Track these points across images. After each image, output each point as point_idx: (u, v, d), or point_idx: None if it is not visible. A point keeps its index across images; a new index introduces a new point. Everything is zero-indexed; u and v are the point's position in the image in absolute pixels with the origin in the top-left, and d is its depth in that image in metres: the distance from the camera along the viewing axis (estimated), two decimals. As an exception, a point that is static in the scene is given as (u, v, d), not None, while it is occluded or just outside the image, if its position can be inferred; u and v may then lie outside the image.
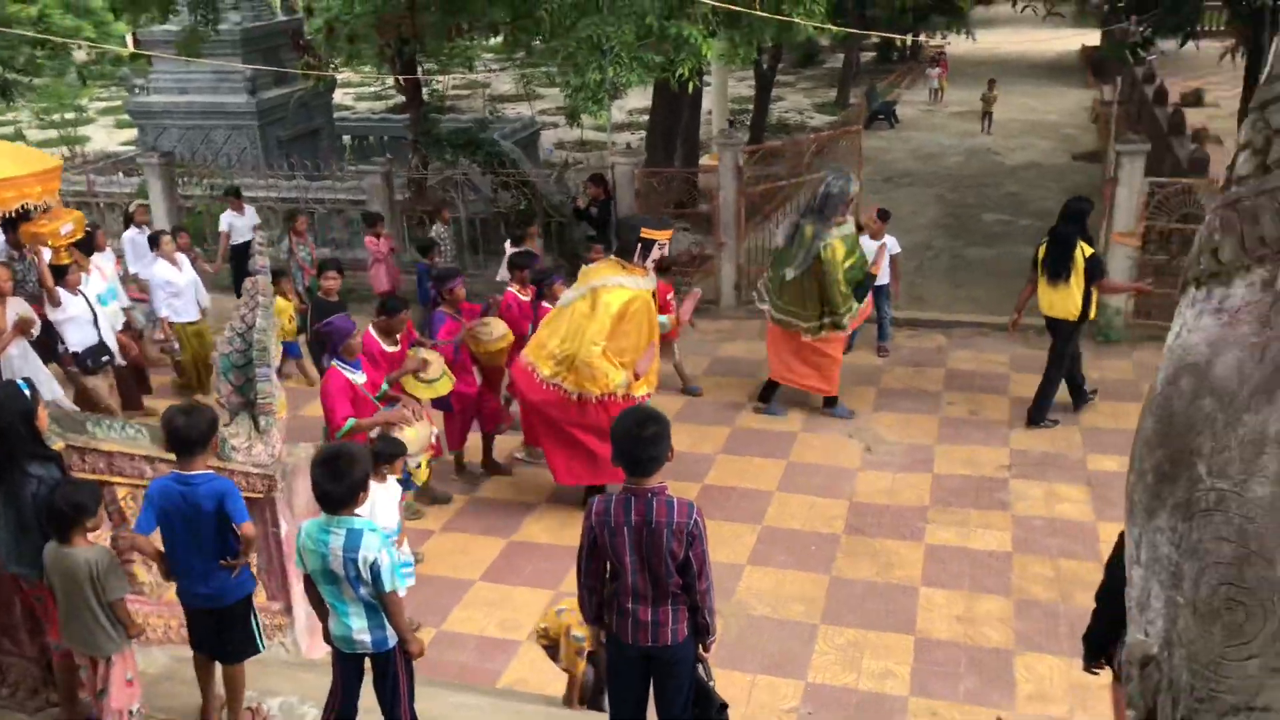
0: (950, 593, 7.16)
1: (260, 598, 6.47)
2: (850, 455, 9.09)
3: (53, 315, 8.96)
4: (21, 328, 8.27)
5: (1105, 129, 21.56)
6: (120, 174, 16.23)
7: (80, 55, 26.33)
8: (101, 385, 9.28)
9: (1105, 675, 5.31)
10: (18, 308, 8.53)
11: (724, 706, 4.33)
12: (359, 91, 31.37)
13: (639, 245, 7.60)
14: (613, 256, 7.91)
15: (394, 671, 4.33)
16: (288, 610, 6.56)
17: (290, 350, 10.66)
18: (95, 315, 9.16)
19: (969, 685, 6.28)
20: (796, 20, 9.04)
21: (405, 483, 7.23)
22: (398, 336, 7.85)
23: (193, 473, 4.38)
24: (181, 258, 10.39)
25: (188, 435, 4.39)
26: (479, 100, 27.26)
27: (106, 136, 25.42)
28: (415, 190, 13.98)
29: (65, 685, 4.77)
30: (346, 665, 4.37)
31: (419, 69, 14.52)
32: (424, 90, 15.28)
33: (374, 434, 6.93)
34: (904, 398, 10.16)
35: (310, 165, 14.84)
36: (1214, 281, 1.45)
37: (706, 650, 4.33)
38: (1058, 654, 6.50)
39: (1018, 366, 10.56)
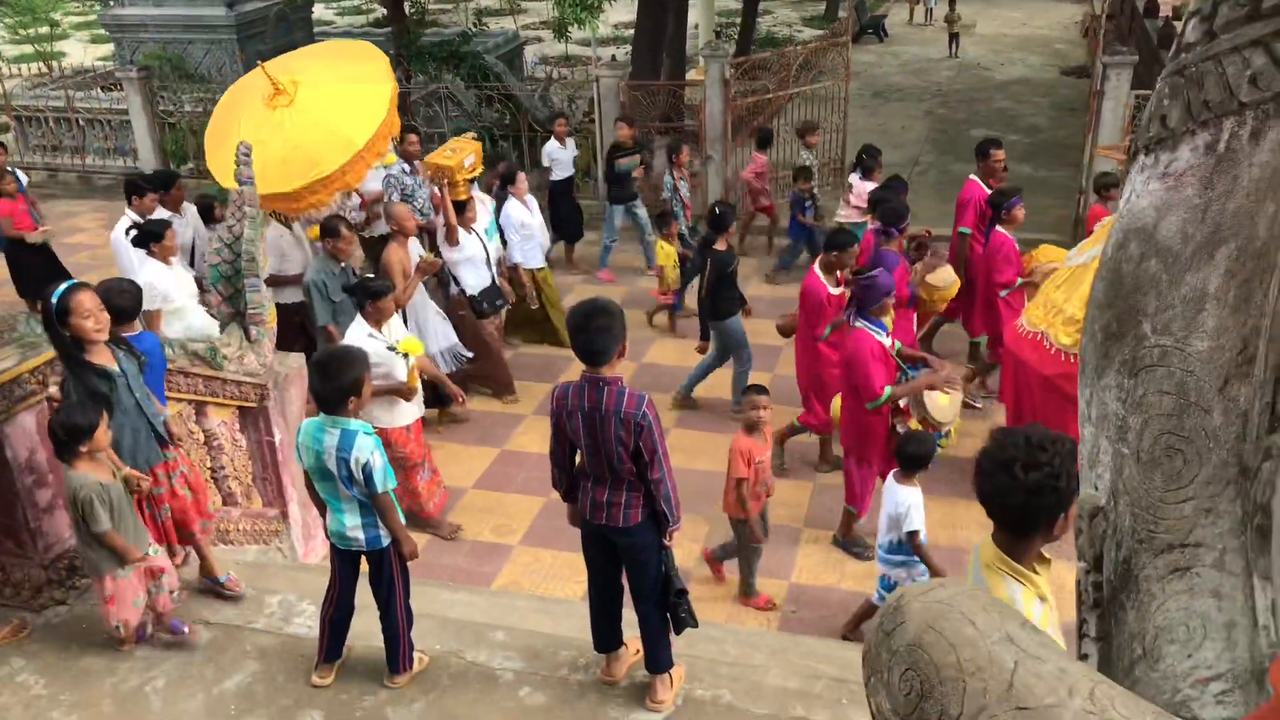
0: (930, 498, 7.31)
1: (256, 503, 6.63)
2: (835, 367, 9.19)
3: (449, 256, 8.36)
4: (425, 270, 7.82)
5: (1095, 43, 21.32)
6: (99, 89, 15.98)
7: (52, -32, 25.63)
8: (494, 329, 8.69)
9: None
10: (417, 249, 8.09)
11: (682, 591, 4.47)
12: (340, 6, 30.73)
13: None
14: None
15: (389, 569, 4.47)
16: (283, 517, 6.71)
17: (677, 303, 9.81)
18: (489, 255, 8.58)
19: (947, 584, 6.48)
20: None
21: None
22: (839, 275, 7.20)
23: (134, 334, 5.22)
24: (531, 199, 9.39)
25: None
26: (462, 14, 26.75)
27: (82, 51, 24.90)
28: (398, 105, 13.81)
29: None
30: (343, 561, 4.50)
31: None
32: (406, 3, 14.99)
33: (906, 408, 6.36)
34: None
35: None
36: (1161, 147, 1.52)
37: (669, 539, 4.45)
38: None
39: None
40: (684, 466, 7.15)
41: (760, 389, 6.18)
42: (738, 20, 21.63)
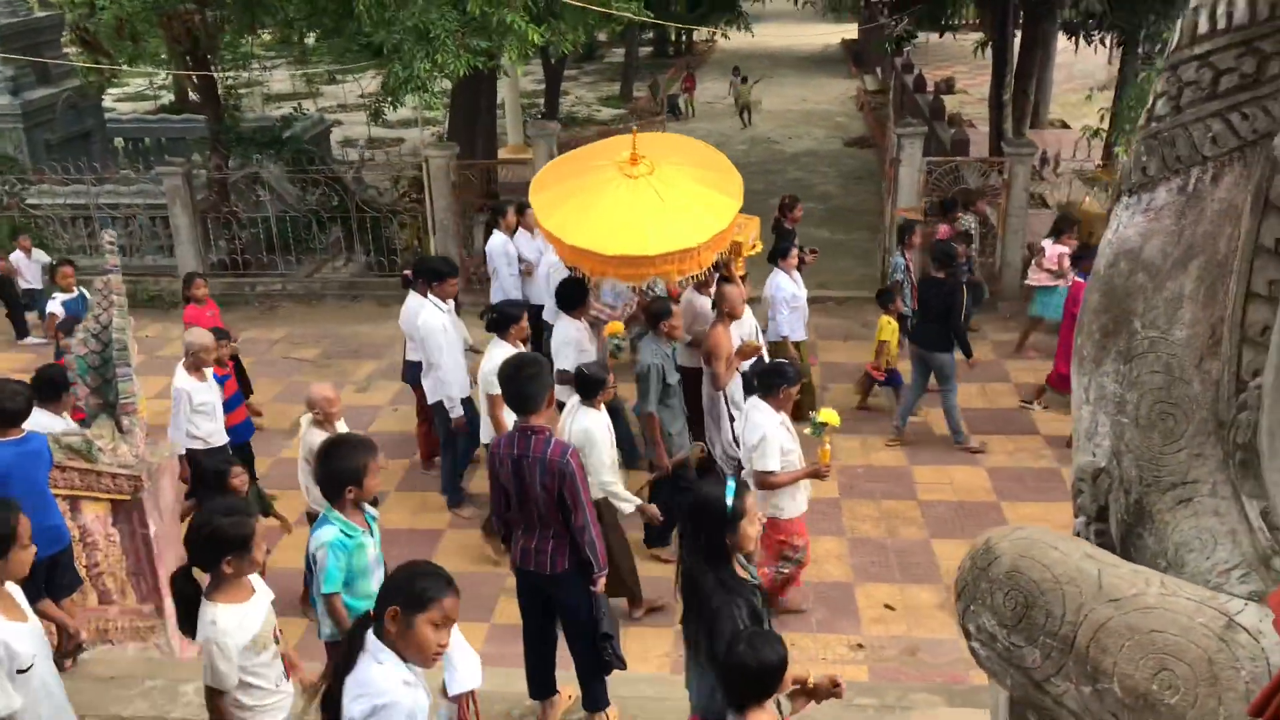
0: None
1: (130, 601, 6.40)
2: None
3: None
4: (747, 354, 7.39)
5: (871, 116, 23.21)
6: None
7: None
8: None
9: (933, 595, 6.20)
10: (741, 330, 7.58)
11: (607, 635, 4.71)
12: (121, 93, 29.64)
13: None
14: None
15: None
16: (159, 612, 6.49)
17: (893, 378, 9.56)
18: (757, 332, 8.21)
19: (820, 616, 6.98)
20: (616, 13, 9.50)
21: None
22: None
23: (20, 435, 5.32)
24: (795, 272, 9.13)
25: None
26: (255, 98, 26.36)
27: None
28: (217, 191, 13.58)
29: None
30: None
31: (211, 67, 14.08)
32: (219, 88, 14.81)
33: None
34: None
35: (88, 169, 14.09)
36: (1143, 190, 2.06)
37: (593, 584, 4.69)
38: (890, 582, 7.30)
39: (822, 335, 11.47)
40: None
41: None
42: (538, 100, 22.37)
